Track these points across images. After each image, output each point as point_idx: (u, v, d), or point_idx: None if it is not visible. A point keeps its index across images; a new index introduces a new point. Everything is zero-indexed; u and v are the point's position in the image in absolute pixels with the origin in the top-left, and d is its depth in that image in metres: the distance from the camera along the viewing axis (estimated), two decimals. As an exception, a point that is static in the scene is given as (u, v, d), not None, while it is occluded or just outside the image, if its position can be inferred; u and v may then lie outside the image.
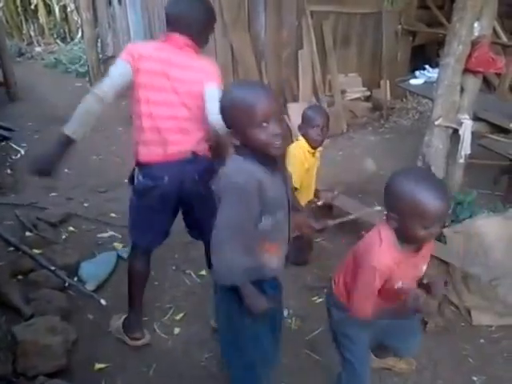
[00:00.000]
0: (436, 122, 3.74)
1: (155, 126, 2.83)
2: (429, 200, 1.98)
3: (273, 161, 2.11)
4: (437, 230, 2.10)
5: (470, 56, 3.63)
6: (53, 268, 3.83)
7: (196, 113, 2.85)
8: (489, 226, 3.53)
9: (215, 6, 6.52)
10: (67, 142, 2.76)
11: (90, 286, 3.87)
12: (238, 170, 2.07)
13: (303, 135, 3.65)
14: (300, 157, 3.58)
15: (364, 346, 2.62)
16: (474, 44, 3.59)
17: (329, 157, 6.46)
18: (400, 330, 2.68)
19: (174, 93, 2.81)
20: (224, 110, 2.11)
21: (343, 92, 8.16)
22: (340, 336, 2.61)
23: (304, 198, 3.75)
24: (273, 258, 2.27)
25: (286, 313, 3.55)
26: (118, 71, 2.81)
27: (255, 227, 2.13)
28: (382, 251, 2.16)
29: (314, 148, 3.69)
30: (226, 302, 2.32)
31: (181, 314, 3.67)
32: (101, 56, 9.77)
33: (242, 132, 2.04)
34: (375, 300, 2.29)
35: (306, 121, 3.63)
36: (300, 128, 3.66)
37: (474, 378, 3.15)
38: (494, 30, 7.47)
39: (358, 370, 2.60)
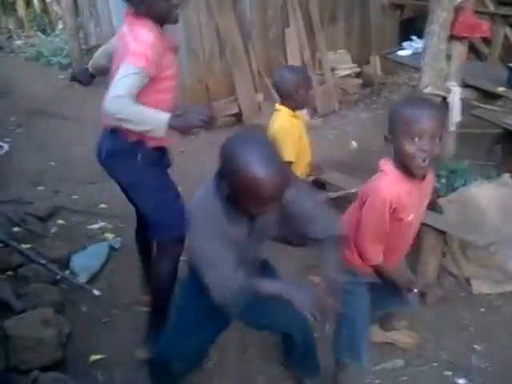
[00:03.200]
0: (424, 91, 3.68)
1: None
2: (413, 111, 2.13)
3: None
4: (426, 145, 2.11)
5: (454, 22, 3.59)
6: (43, 261, 3.77)
7: None
8: (483, 193, 3.50)
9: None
10: None
11: (82, 278, 3.82)
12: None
13: (289, 100, 3.51)
14: (290, 128, 3.43)
15: (364, 299, 2.60)
16: (458, 10, 3.56)
17: (322, 135, 6.42)
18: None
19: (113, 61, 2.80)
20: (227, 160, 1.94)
21: (333, 69, 8.06)
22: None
23: (302, 167, 3.64)
24: None
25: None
26: None
27: None
28: (390, 182, 2.24)
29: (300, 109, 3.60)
30: None
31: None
32: (84, 46, 9.55)
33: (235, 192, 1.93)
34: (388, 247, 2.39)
35: (300, 84, 3.48)
36: (289, 93, 3.50)
37: (476, 347, 3.16)
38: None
39: (357, 322, 2.59)
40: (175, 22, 2.78)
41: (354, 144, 6.25)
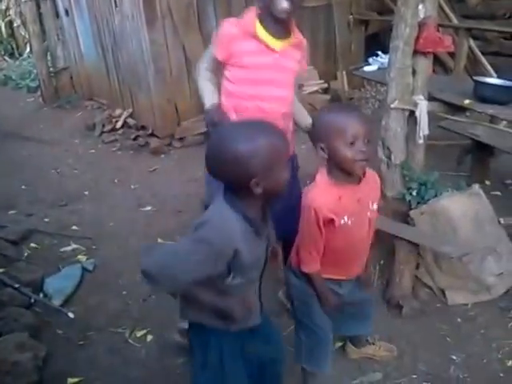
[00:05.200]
0: (392, 105, 3.72)
1: None
2: (343, 117, 2.20)
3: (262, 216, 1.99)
4: (363, 146, 2.17)
5: (418, 38, 3.64)
6: (17, 285, 3.73)
7: None
8: (454, 204, 3.53)
9: (163, 6, 6.46)
10: None
11: (56, 301, 3.79)
12: (219, 228, 1.85)
13: None
14: None
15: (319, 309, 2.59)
16: (421, 26, 3.61)
17: (292, 151, 6.43)
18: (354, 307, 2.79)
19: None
20: None
21: (300, 86, 8.12)
22: (298, 302, 2.63)
23: None
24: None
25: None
26: None
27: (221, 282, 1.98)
28: (318, 191, 2.30)
29: None
30: None
31: (153, 322, 3.59)
32: (51, 69, 9.45)
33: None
34: (330, 258, 2.43)
35: None
36: None
37: (454, 357, 3.16)
38: (445, 13, 7.55)
39: (318, 334, 2.63)
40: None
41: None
